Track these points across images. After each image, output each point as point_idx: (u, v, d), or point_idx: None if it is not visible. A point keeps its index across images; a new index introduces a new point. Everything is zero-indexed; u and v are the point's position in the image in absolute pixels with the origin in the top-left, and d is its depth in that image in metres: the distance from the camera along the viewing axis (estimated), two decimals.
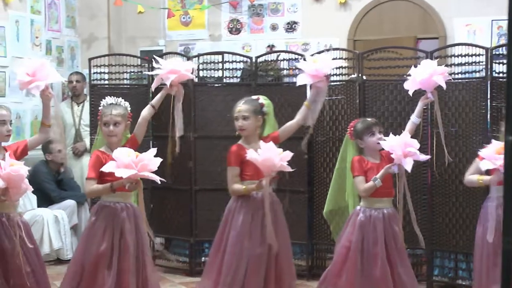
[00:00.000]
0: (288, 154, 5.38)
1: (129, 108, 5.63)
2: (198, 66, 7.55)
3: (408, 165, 5.62)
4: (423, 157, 5.82)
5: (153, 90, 5.88)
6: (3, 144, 5.41)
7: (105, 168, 5.06)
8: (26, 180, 5.10)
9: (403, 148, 5.62)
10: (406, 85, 6.10)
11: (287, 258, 5.87)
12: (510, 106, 1.82)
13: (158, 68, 5.80)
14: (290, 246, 5.95)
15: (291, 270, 5.95)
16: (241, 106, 5.78)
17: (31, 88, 5.49)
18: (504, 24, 8.98)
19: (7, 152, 5.25)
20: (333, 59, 6.26)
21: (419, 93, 6.09)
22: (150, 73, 5.83)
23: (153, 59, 6.08)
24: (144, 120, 5.69)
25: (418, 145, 5.70)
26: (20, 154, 5.45)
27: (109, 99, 5.62)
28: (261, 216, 5.66)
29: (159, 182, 5.18)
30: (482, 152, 5.65)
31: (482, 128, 7.10)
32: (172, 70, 5.73)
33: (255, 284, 5.65)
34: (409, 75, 6.11)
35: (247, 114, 5.73)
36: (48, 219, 8.57)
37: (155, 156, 5.08)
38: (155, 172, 5.09)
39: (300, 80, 6.07)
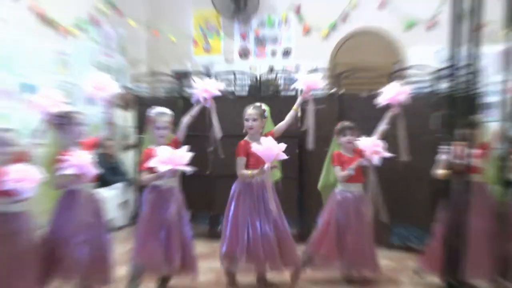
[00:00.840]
0: (283, 145, 5.49)
1: (172, 116, 5.79)
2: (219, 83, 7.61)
3: (376, 160, 5.91)
4: (388, 155, 6.00)
5: (193, 103, 5.98)
6: (80, 140, 5.54)
7: (150, 164, 5.27)
8: (92, 166, 5.31)
9: (373, 147, 5.91)
10: (379, 100, 6.29)
11: (284, 228, 5.98)
12: (450, 115, 1.95)
13: (195, 87, 6.00)
14: (284, 217, 6.03)
15: (289, 234, 6.02)
16: (251, 111, 5.96)
17: (100, 97, 5.66)
18: (446, 52, 9.04)
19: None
20: (322, 77, 6.37)
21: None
22: (189, 90, 5.96)
23: (187, 78, 6.23)
24: (185, 126, 5.88)
25: (383, 145, 5.98)
26: (93, 148, 5.64)
27: (158, 108, 5.77)
28: (262, 196, 5.85)
29: (188, 173, 5.31)
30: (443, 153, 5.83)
31: (429, 130, 7.20)
32: (205, 90, 5.89)
33: (265, 246, 5.80)
34: (381, 92, 6.30)
35: (256, 117, 5.92)
36: (103, 196, 8.66)
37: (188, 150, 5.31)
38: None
39: (297, 85, 6.26)
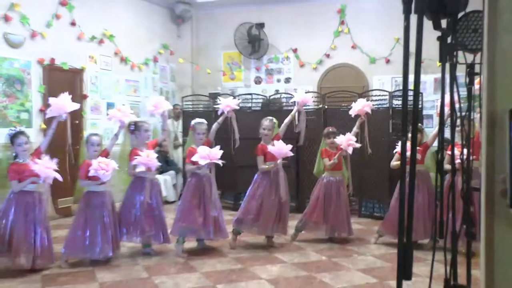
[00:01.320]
0: (289, 146, 5.66)
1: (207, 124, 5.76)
2: (239, 101, 7.58)
3: (350, 150, 5.91)
4: (358, 145, 6.02)
5: (219, 114, 5.96)
6: (146, 141, 5.57)
7: (193, 158, 5.35)
8: (155, 160, 5.35)
9: (347, 141, 5.86)
10: (350, 111, 6.26)
11: (287, 204, 5.97)
12: (403, 123, 1.87)
13: (220, 103, 5.97)
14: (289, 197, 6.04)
15: (288, 211, 6.02)
16: (267, 123, 5.98)
17: (159, 112, 5.68)
18: (399, 79, 8.99)
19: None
20: (312, 96, 6.36)
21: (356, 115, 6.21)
22: (215, 106, 5.97)
23: (217, 98, 6.23)
24: (214, 131, 5.82)
25: (355, 139, 5.98)
26: (154, 147, 5.62)
27: (198, 119, 5.75)
28: (275, 182, 5.81)
29: (221, 165, 5.45)
30: (397, 149, 5.91)
31: (386, 134, 7.17)
32: (227, 105, 5.86)
33: (270, 217, 5.78)
34: (352, 106, 6.24)
35: (270, 128, 5.94)
36: (160, 180, 8.66)
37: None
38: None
39: (294, 99, 6.23)
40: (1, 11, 6.71)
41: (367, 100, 6.53)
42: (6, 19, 6.74)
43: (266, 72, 10.35)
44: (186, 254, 5.55)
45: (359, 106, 6.15)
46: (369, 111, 6.20)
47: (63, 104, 5.09)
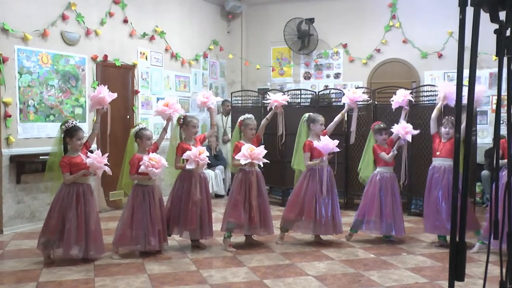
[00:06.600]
0: (336, 142, 5.51)
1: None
2: (288, 96, 7.52)
3: (409, 137, 5.74)
4: (416, 132, 5.83)
5: (268, 110, 5.94)
6: (194, 136, 5.58)
7: (236, 156, 5.37)
8: (207, 159, 5.35)
9: (404, 129, 5.70)
10: (393, 105, 6.07)
11: (335, 198, 5.83)
12: (457, 119, 1.81)
13: (269, 99, 5.94)
14: (336, 191, 5.90)
15: (337, 204, 5.87)
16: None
17: (208, 105, 5.68)
18: (452, 74, 8.74)
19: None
20: (362, 93, 6.23)
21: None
22: (264, 102, 5.93)
23: (267, 93, 6.20)
24: (263, 127, 5.82)
25: (411, 126, 5.79)
26: (202, 141, 5.70)
27: (248, 115, 5.74)
28: (320, 178, 5.66)
29: (262, 165, 5.54)
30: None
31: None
32: (275, 100, 5.82)
33: (313, 211, 5.68)
34: (393, 100, 6.09)
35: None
36: (211, 174, 8.75)
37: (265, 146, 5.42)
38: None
39: (343, 100, 6.10)
40: (59, 10, 6.91)
41: (411, 94, 6.33)
42: (64, 18, 6.94)
43: (316, 67, 10.27)
44: (235, 249, 5.58)
45: (401, 97, 5.98)
46: (412, 99, 6.08)
47: (102, 96, 5.14)
